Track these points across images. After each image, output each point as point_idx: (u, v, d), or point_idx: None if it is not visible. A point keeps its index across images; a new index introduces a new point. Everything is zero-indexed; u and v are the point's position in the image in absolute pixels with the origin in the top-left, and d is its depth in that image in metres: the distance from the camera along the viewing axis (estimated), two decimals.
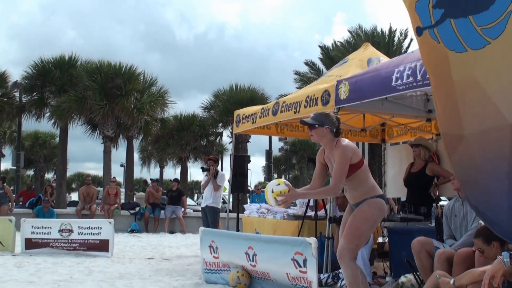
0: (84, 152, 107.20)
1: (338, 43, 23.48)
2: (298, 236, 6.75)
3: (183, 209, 15.66)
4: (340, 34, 62.65)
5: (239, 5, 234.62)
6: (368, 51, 8.19)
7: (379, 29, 22.93)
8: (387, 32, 22.63)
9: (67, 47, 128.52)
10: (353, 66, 7.66)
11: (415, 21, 3.49)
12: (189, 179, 36.66)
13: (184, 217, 15.50)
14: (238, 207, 10.18)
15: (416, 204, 6.99)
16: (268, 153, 30.38)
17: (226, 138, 27.65)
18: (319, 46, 24.26)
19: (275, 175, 42.76)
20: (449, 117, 3.49)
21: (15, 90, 21.57)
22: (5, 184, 15.03)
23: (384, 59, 7.66)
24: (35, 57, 23.97)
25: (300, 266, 5.10)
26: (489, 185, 3.37)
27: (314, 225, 7.03)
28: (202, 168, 9.95)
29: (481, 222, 4.42)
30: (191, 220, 15.56)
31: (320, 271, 5.79)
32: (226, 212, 10.07)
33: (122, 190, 20.20)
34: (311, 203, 7.42)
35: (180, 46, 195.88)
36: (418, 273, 5.17)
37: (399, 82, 5.49)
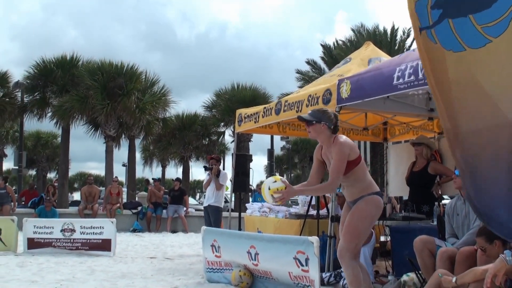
0: (86, 152, 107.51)
1: (340, 42, 23.53)
2: (300, 235, 6.75)
3: (185, 208, 15.63)
4: (341, 33, 62.72)
5: (240, 4, 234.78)
6: (370, 50, 8.18)
7: (381, 28, 22.98)
8: (389, 31, 22.65)
9: (68, 47, 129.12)
10: (355, 65, 7.66)
11: (414, 21, 3.49)
12: (191, 178, 36.76)
13: (186, 216, 15.48)
14: (240, 206, 10.18)
15: (418, 203, 6.98)
16: (270, 152, 30.40)
17: (228, 137, 27.72)
18: (321, 45, 24.37)
19: (277, 174, 42.75)
20: (448, 114, 3.49)
21: (17, 90, 21.63)
22: (7, 184, 15.01)
23: (385, 58, 7.64)
24: (37, 57, 24.02)
25: (302, 265, 5.10)
26: (488, 183, 3.36)
27: (316, 224, 7.02)
28: (205, 167, 9.94)
29: None
30: (193, 219, 15.55)
31: (322, 270, 5.78)
32: (228, 211, 10.06)
33: (124, 189, 20.20)
34: (313, 202, 7.42)
35: (181, 46, 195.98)
36: (420, 272, 5.16)
37: (400, 80, 5.48)
